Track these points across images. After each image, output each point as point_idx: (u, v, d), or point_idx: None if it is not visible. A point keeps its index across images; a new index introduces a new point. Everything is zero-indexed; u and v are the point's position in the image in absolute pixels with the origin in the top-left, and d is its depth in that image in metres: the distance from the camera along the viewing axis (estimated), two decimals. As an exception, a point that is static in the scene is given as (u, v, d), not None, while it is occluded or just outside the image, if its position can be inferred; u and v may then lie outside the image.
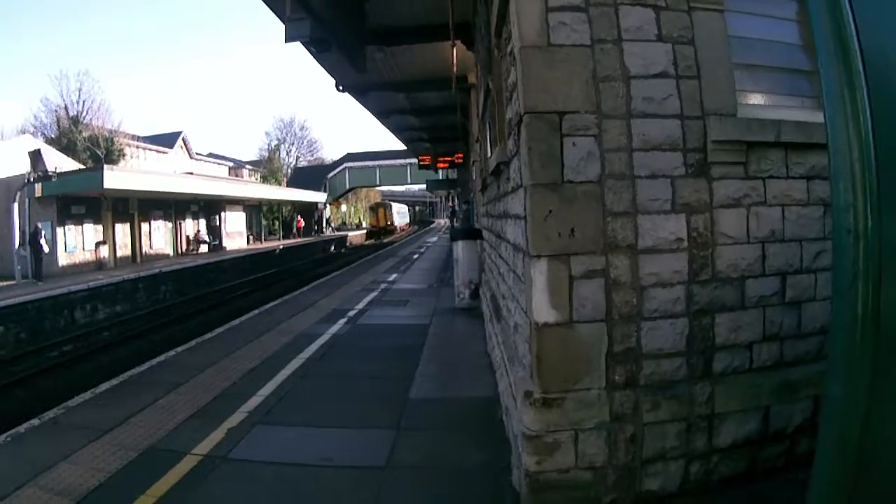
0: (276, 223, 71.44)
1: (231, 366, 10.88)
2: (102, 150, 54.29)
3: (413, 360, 10.86)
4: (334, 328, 14.47)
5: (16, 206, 30.03)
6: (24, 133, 52.06)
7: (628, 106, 5.09)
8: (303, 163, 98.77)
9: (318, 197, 75.85)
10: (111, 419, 7.97)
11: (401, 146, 48.76)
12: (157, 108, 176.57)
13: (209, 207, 51.02)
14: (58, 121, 58.89)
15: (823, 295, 5.43)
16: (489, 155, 9.91)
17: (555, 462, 5.01)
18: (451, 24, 12.15)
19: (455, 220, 45.77)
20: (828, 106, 2.30)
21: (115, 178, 31.26)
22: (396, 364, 10.71)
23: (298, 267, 45.86)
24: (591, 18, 5.06)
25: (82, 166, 43.63)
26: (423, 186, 65.01)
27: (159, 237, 43.63)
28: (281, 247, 53.71)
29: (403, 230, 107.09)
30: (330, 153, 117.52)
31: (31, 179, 31.06)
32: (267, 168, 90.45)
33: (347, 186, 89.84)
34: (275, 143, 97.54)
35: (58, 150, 47.16)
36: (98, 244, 35.54)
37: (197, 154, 77.02)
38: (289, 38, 11.66)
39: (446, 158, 34.60)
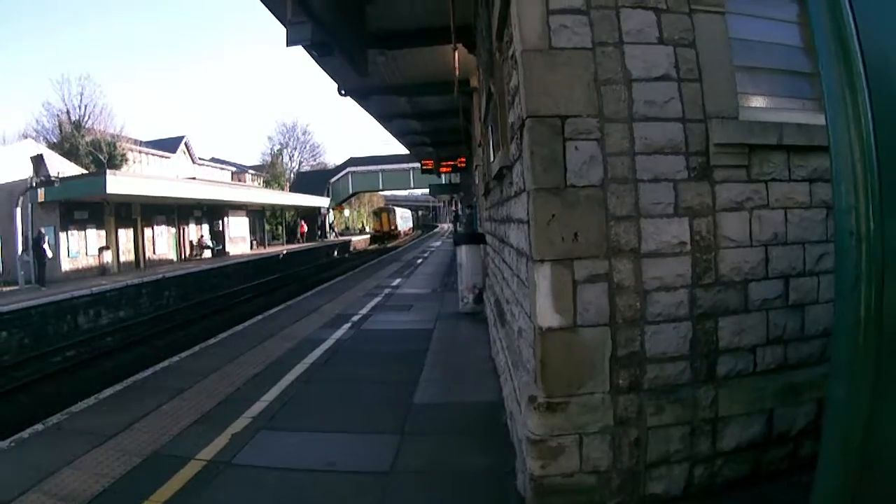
0: (280, 228, 71.51)
1: (235, 371, 10.89)
2: (105, 155, 54.29)
3: (417, 365, 10.86)
4: (338, 333, 14.47)
5: (18, 211, 30.04)
6: (26, 138, 52.02)
7: (630, 109, 5.09)
8: (305, 167, 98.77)
9: (321, 202, 75.85)
10: (115, 425, 7.98)
11: (404, 150, 48.74)
12: (160, 113, 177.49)
13: (212, 212, 51.07)
14: (60, 125, 58.91)
15: (826, 297, 5.42)
16: (492, 159, 9.90)
17: (559, 466, 5.01)
18: (453, 27, 12.13)
19: (458, 224, 45.79)
20: (829, 108, 2.30)
21: (117, 183, 31.25)
22: (400, 369, 10.72)
23: (302, 272, 45.88)
24: (592, 21, 5.06)
25: (85, 171, 43.72)
26: (426, 191, 64.87)
27: (162, 242, 43.70)
28: (284, 252, 53.71)
29: (407, 234, 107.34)
30: (333, 158, 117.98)
31: (34, 184, 31.08)
32: (270, 173, 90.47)
33: (350, 191, 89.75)
34: (277, 147, 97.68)
35: (60, 154, 47.25)
36: (101, 249, 35.57)
37: (200, 159, 77.04)
38: (290, 41, 11.65)
39: (449, 162, 34.65)
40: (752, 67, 5.48)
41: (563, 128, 4.99)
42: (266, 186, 79.95)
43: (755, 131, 5.23)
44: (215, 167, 79.70)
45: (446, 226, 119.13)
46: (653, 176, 5.10)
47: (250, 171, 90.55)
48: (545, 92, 5.00)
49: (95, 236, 35.42)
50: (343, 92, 20.53)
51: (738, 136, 5.20)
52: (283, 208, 70.03)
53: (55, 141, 56.32)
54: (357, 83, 19.34)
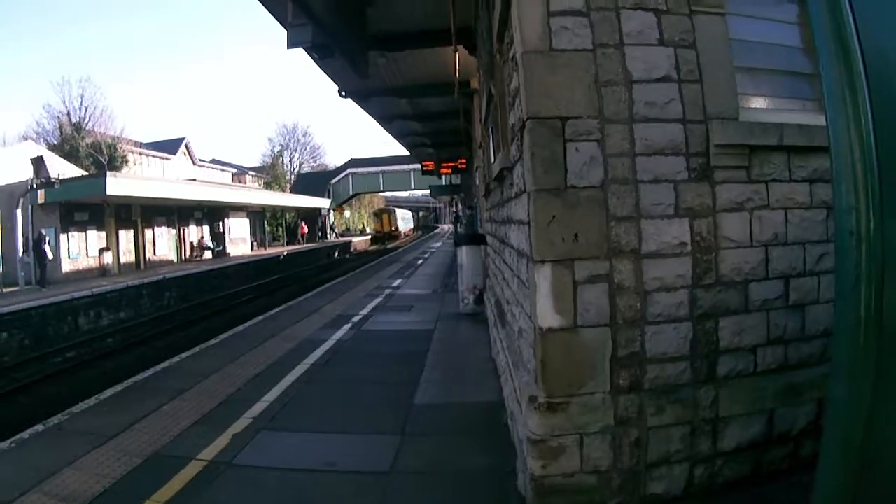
0: (280, 229, 71.50)
1: (236, 372, 10.90)
2: (105, 157, 54.38)
3: (418, 366, 10.87)
4: (339, 334, 14.49)
5: (19, 212, 30.06)
6: (26, 139, 52.00)
7: (631, 110, 5.09)
8: (306, 169, 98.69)
9: (322, 203, 75.83)
10: (115, 425, 7.99)
11: (404, 152, 48.71)
12: (160, 115, 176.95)
13: (213, 214, 51.07)
14: (60, 127, 58.92)
15: (827, 298, 5.43)
16: (492, 160, 9.91)
17: (560, 466, 5.01)
18: (453, 29, 12.14)
19: (459, 225, 45.81)
20: (829, 108, 2.31)
21: (118, 185, 31.23)
22: (401, 369, 10.72)
23: (302, 273, 45.88)
24: (592, 23, 5.06)
25: (85, 173, 43.70)
26: (427, 192, 64.85)
27: (163, 243, 43.66)
28: (285, 253, 53.74)
29: (408, 235, 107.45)
30: (333, 159, 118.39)
31: (34, 186, 31.06)
32: (270, 174, 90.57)
33: (351, 192, 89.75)
34: (278, 149, 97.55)
35: (60, 156, 47.22)
36: (101, 251, 35.55)
37: (200, 160, 77.15)
38: (291, 44, 11.66)
39: (450, 164, 34.59)
40: (752, 68, 5.49)
41: (563, 129, 5.00)
42: (267, 188, 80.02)
43: (755, 132, 5.24)
44: (216, 168, 79.82)
45: (447, 227, 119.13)
46: (653, 177, 5.10)
47: (251, 172, 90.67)
48: (546, 93, 5.01)
49: (96, 237, 35.40)
50: (344, 94, 20.53)
51: (738, 136, 5.20)
52: (284, 209, 70.05)
53: (55, 143, 56.35)
54: (358, 85, 19.33)
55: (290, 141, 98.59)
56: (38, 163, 38.53)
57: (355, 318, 16.72)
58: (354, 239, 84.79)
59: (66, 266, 32.32)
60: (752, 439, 5.29)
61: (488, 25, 9.03)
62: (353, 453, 7.09)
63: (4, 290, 26.92)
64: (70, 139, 56.22)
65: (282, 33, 11.90)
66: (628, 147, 5.07)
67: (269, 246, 64.35)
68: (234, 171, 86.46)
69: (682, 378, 5.18)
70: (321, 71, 18.11)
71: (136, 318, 27.04)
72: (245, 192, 57.70)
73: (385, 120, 29.11)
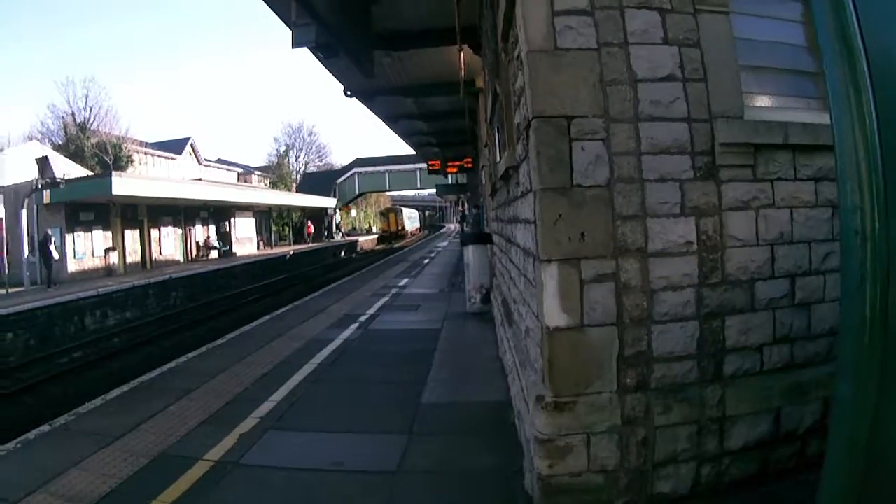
0: (286, 229, 71.59)
1: (243, 371, 10.91)
2: (110, 157, 54.39)
3: (425, 365, 10.87)
4: (346, 333, 14.49)
5: (24, 212, 30.15)
6: (31, 139, 51.85)
7: (636, 109, 5.09)
8: (312, 168, 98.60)
9: (328, 202, 75.88)
10: (122, 426, 8.00)
11: (410, 151, 48.69)
12: (166, 115, 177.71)
13: (219, 213, 51.18)
14: (65, 127, 58.91)
15: (833, 296, 5.43)
16: (498, 159, 9.91)
17: (567, 466, 5.01)
18: (458, 28, 12.12)
19: (465, 224, 45.80)
20: (833, 107, 2.31)
21: (123, 185, 31.35)
22: (408, 369, 10.73)
23: (309, 272, 45.95)
24: (597, 22, 5.06)
25: (90, 173, 43.69)
26: (433, 191, 64.96)
27: (169, 243, 43.78)
28: (291, 252, 53.78)
29: (414, 234, 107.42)
30: (339, 158, 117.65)
31: (39, 186, 31.19)
32: (276, 174, 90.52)
33: (357, 191, 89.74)
34: (283, 148, 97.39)
35: (65, 156, 47.17)
36: (107, 250, 35.68)
37: (206, 160, 77.16)
38: (296, 43, 11.67)
39: (455, 163, 34.62)
40: (756, 67, 5.48)
41: (569, 128, 5.00)
42: (272, 187, 79.99)
43: (760, 131, 5.24)
44: (221, 168, 79.78)
45: (453, 226, 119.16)
46: (659, 175, 5.10)
47: (257, 172, 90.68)
48: (551, 92, 5.01)
49: (101, 237, 35.51)
50: (349, 93, 20.55)
51: (743, 135, 5.20)
52: (290, 209, 70.18)
53: (60, 143, 56.33)
54: (363, 84, 19.37)
55: (295, 140, 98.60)
56: (43, 163, 38.53)
57: (362, 318, 16.72)
58: (361, 238, 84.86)
59: (72, 266, 32.44)
60: (759, 438, 5.29)
61: (493, 24, 9.03)
62: (361, 453, 7.08)
63: (10, 291, 26.97)
64: (75, 139, 56.25)
65: (287, 33, 11.92)
66: (634, 146, 5.07)
67: (276, 245, 64.55)
68: (240, 170, 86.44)
69: (689, 377, 5.18)
70: (326, 70, 18.13)
71: (143, 318, 27.13)
72: (251, 192, 57.82)
73: (391, 119, 29.12)
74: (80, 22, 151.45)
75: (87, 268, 33.77)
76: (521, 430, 6.65)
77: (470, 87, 17.97)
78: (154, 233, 41.76)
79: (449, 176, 43.07)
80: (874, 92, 2.15)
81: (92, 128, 58.69)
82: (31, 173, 35.18)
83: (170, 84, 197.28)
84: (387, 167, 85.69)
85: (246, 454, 7.04)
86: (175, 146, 71.04)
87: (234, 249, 52.65)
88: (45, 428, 8.23)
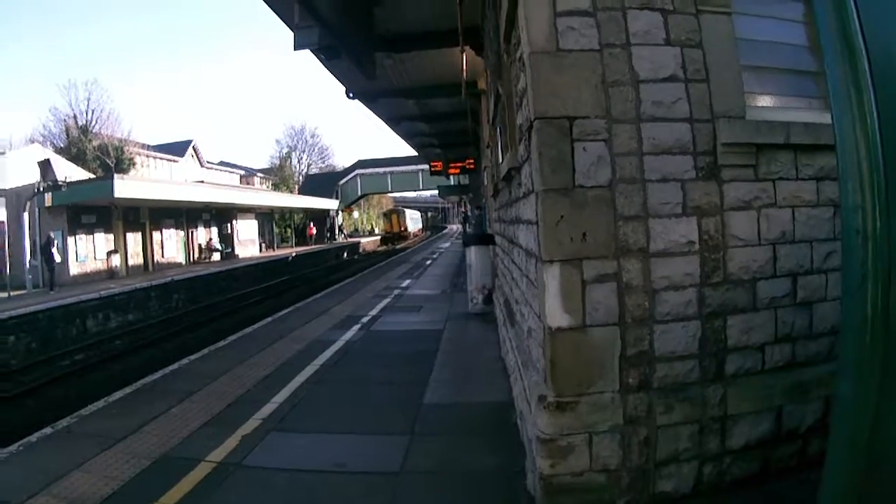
0: (289, 231, 71.64)
1: (245, 373, 10.91)
2: (112, 159, 54.51)
3: (427, 366, 10.87)
4: (348, 334, 14.49)
5: (26, 215, 30.17)
6: (32, 143, 51.88)
7: (638, 110, 5.10)
8: (314, 170, 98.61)
9: (330, 204, 75.88)
10: (124, 428, 8.00)
11: (412, 152, 48.60)
12: (168, 117, 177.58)
13: (221, 216, 51.21)
14: (67, 130, 58.97)
15: (834, 295, 5.43)
16: (500, 161, 9.92)
17: (569, 465, 5.02)
18: (460, 29, 12.12)
19: (468, 225, 45.82)
20: (834, 106, 2.32)
21: (125, 187, 31.40)
22: (410, 369, 10.73)
23: (311, 274, 45.91)
24: (599, 23, 5.07)
25: (92, 175, 43.77)
26: (435, 192, 64.96)
27: (171, 246, 43.83)
28: (293, 254, 53.81)
29: (416, 235, 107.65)
30: (341, 160, 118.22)
31: (41, 189, 31.18)
32: (278, 176, 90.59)
33: (359, 193, 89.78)
34: (286, 150, 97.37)
35: (67, 159, 47.25)
36: (109, 253, 35.74)
37: (208, 162, 77.27)
38: (298, 45, 11.69)
39: (458, 164, 34.62)
40: (758, 67, 5.49)
41: (571, 129, 5.00)
42: (275, 189, 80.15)
43: (762, 130, 5.24)
44: (224, 170, 79.92)
45: (455, 227, 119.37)
46: (661, 176, 5.11)
47: (259, 174, 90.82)
48: (553, 93, 5.01)
49: (103, 240, 35.59)
50: (351, 95, 20.55)
51: (745, 135, 5.21)
52: (292, 211, 70.21)
53: (62, 146, 56.46)
54: (365, 86, 19.37)
55: (298, 142, 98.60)
56: (45, 166, 38.61)
57: (364, 319, 16.72)
58: (363, 240, 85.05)
59: (74, 269, 32.50)
60: (761, 437, 5.30)
61: (495, 26, 9.04)
62: (363, 453, 7.09)
63: (12, 294, 27.00)
64: (77, 142, 56.35)
65: (289, 34, 11.94)
66: (636, 146, 5.08)
67: (278, 247, 64.64)
68: (243, 172, 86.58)
69: (691, 376, 5.18)
70: (328, 72, 18.13)
71: (145, 321, 27.13)
72: (253, 194, 57.91)
73: (393, 121, 29.11)
74: (81, 24, 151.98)
75: (89, 270, 33.84)
76: (523, 430, 6.66)
77: (472, 89, 17.97)
78: (156, 235, 41.83)
79: (451, 177, 43.06)
80: (875, 91, 2.15)
81: (94, 130, 58.82)
82: (33, 176, 35.29)
83: (172, 86, 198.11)
84: (389, 168, 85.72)
85: (248, 455, 7.04)
86: (177, 148, 71.17)
87: (237, 251, 52.73)
88: (48, 430, 8.23)
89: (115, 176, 34.59)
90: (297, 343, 13.62)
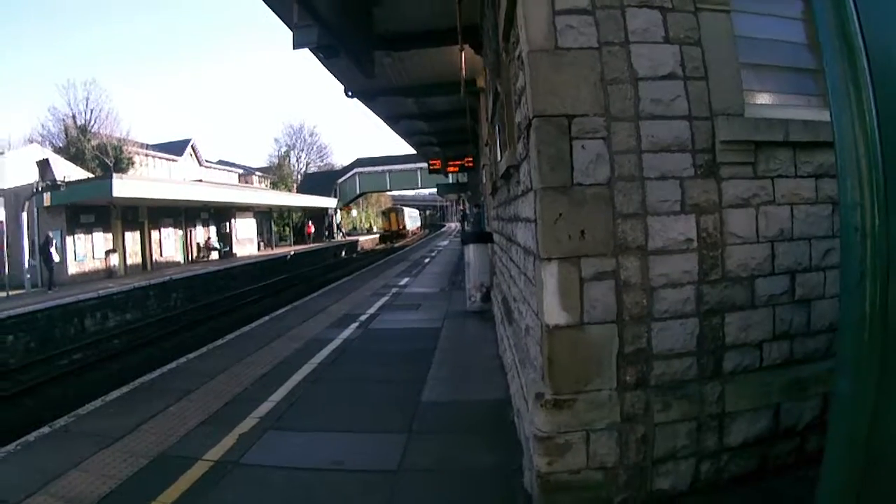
0: (287, 229, 71.65)
1: (242, 372, 10.92)
2: (111, 159, 54.46)
3: (425, 364, 10.88)
4: (346, 333, 14.50)
5: (24, 215, 30.15)
6: (31, 142, 51.87)
7: (637, 108, 5.10)
8: (312, 169, 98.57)
9: (329, 202, 75.85)
10: (122, 427, 8.01)
11: (411, 150, 48.59)
12: (167, 117, 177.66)
13: (219, 214, 51.22)
14: (66, 130, 58.94)
15: (832, 293, 5.43)
16: (499, 159, 9.92)
17: (566, 463, 5.02)
18: (459, 28, 12.12)
19: (466, 223, 45.81)
20: (833, 104, 2.31)
21: (124, 187, 31.39)
22: (408, 368, 10.73)
23: (309, 273, 45.96)
24: (597, 21, 5.06)
25: (91, 175, 43.69)
26: (434, 190, 65.01)
27: (169, 245, 43.82)
28: (292, 253, 53.79)
29: (415, 234, 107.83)
30: (340, 159, 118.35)
31: (40, 189, 31.15)
32: (277, 174, 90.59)
33: (358, 191, 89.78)
34: (284, 149, 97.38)
35: (66, 159, 47.16)
36: (108, 252, 35.74)
37: (206, 161, 77.17)
38: (297, 44, 11.69)
39: (456, 162, 34.62)
40: (757, 65, 5.49)
41: (569, 127, 5.00)
42: (273, 188, 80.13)
43: (761, 128, 5.24)
44: (222, 169, 79.80)
45: (454, 225, 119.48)
46: (659, 174, 5.11)
47: (257, 172, 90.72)
48: (552, 91, 5.01)
49: (102, 239, 35.58)
50: (350, 93, 20.55)
51: (744, 133, 5.21)
52: (291, 209, 70.21)
53: (61, 145, 56.41)
54: (364, 84, 19.37)
55: (296, 141, 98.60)
56: (44, 165, 38.53)
57: (362, 318, 16.73)
58: (361, 238, 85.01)
59: (73, 268, 32.52)
60: (759, 434, 5.30)
61: (494, 24, 9.04)
62: (361, 452, 7.08)
63: (11, 293, 26.99)
64: (76, 142, 56.30)
65: (288, 33, 11.94)
66: (634, 144, 5.08)
67: (276, 246, 64.60)
68: (241, 171, 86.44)
69: (689, 374, 5.18)
70: (327, 71, 18.13)
71: (143, 320, 27.15)
72: (251, 193, 57.84)
73: (392, 120, 29.11)
74: (80, 24, 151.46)
75: (87, 270, 33.84)
76: (520, 427, 6.66)
77: (471, 87, 17.96)
78: (154, 234, 41.81)
79: (450, 175, 43.03)
80: (874, 89, 2.15)
81: (92, 130, 58.76)
82: (31, 176, 35.20)
83: (170, 86, 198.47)
84: (387, 167, 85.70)
85: (246, 454, 7.05)
86: (176, 148, 71.08)
87: (235, 250, 52.73)
88: (45, 430, 8.23)
89: (114, 175, 34.57)
90: (294, 341, 13.63)
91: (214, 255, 48.73)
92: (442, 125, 29.69)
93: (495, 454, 6.66)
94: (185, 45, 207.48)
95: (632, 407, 5.08)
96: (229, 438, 7.49)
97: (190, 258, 46.34)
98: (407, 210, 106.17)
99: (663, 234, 5.11)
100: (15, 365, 18.75)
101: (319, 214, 77.49)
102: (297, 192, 79.80)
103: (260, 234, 61.07)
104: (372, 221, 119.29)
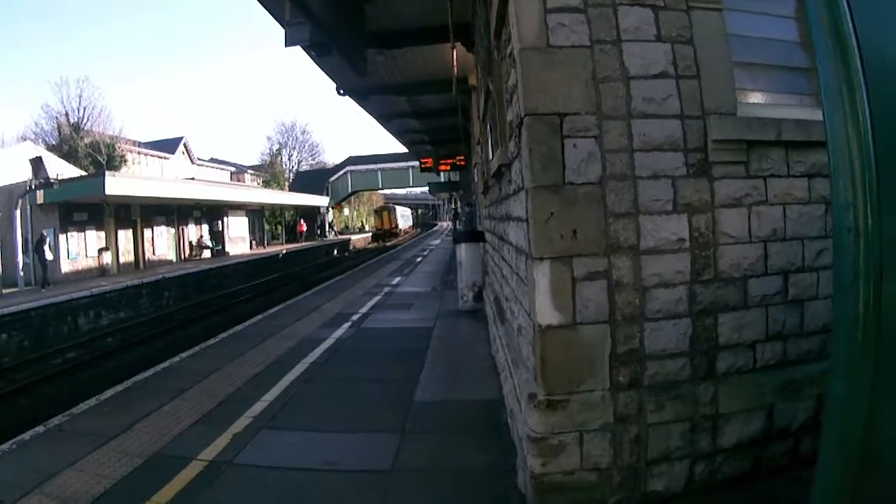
0: (279, 228, 71.57)
1: (235, 371, 10.90)
2: (104, 157, 54.38)
3: (418, 363, 10.87)
4: (338, 332, 14.48)
5: (18, 213, 30.07)
6: (24, 140, 51.93)
7: (628, 106, 5.08)
8: (305, 167, 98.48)
9: (321, 201, 75.78)
10: (116, 426, 7.99)
11: (403, 149, 48.60)
12: (159, 115, 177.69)
13: (212, 213, 51.09)
14: (59, 127, 58.98)
15: (826, 293, 5.42)
16: (490, 157, 9.91)
17: (560, 464, 5.01)
18: (451, 25, 12.12)
19: (458, 222, 45.81)
20: (826, 103, 2.30)
21: (116, 185, 31.25)
22: (401, 367, 10.73)
23: (301, 271, 46.01)
24: (589, 19, 5.05)
25: (84, 173, 43.67)
26: (426, 189, 64.98)
27: (162, 243, 43.72)
28: (284, 251, 53.74)
29: (407, 233, 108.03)
30: (332, 157, 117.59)
31: (33, 186, 31.06)
32: (269, 173, 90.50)
33: (350, 190, 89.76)
34: (276, 147, 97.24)
35: (59, 156, 47.21)
36: (101, 250, 35.61)
37: (199, 159, 77.08)
38: (289, 42, 11.66)
39: (448, 161, 34.62)
40: (749, 63, 5.48)
41: (561, 125, 4.99)
42: (265, 186, 79.93)
43: (753, 127, 5.24)
44: (214, 167, 79.74)
45: (446, 223, 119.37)
46: (651, 173, 5.09)
47: (249, 171, 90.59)
48: (543, 90, 5.00)
49: (95, 238, 35.48)
50: (342, 91, 20.51)
51: (736, 132, 5.20)
52: (283, 208, 70.11)
53: (54, 143, 56.42)
54: (356, 82, 19.31)
55: (288, 139, 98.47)
56: (37, 163, 38.52)
57: (355, 317, 16.73)
58: (353, 237, 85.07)
59: (66, 266, 32.41)
60: (752, 435, 5.29)
61: (486, 22, 9.03)
62: (354, 452, 7.08)
63: (4, 291, 26.93)
64: (69, 139, 56.29)
65: (280, 32, 11.90)
66: (626, 143, 5.06)
67: (269, 244, 64.49)
68: (233, 169, 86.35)
69: (682, 374, 5.17)
70: (319, 69, 18.09)
71: (136, 318, 27.11)
72: (244, 191, 57.76)
73: (384, 118, 29.11)
74: (78, 24, 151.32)
75: (80, 268, 33.75)
76: (513, 428, 6.65)
77: (463, 85, 17.94)
78: (147, 232, 41.70)
79: (441, 174, 43.02)
80: (867, 88, 2.14)
81: (85, 128, 58.80)
82: (24, 174, 35.23)
83: (162, 84, 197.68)
84: (379, 165, 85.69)
85: (239, 454, 7.04)
86: (168, 146, 71.00)
87: (227, 249, 52.59)
88: (40, 429, 8.23)
89: (107, 173, 34.46)
90: (287, 341, 13.61)
91: (207, 254, 48.60)
92: (434, 123, 29.69)
93: (488, 454, 6.66)
94: (177, 44, 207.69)
95: (625, 407, 5.07)
96: (223, 438, 7.48)
97: (182, 256, 46.23)
98: (399, 209, 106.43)
99: (655, 234, 5.10)
100: (9, 363, 18.70)
101: (311, 213, 77.42)
102: (289, 190, 79.70)
103: (252, 232, 60.93)
104: (364, 220, 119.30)
